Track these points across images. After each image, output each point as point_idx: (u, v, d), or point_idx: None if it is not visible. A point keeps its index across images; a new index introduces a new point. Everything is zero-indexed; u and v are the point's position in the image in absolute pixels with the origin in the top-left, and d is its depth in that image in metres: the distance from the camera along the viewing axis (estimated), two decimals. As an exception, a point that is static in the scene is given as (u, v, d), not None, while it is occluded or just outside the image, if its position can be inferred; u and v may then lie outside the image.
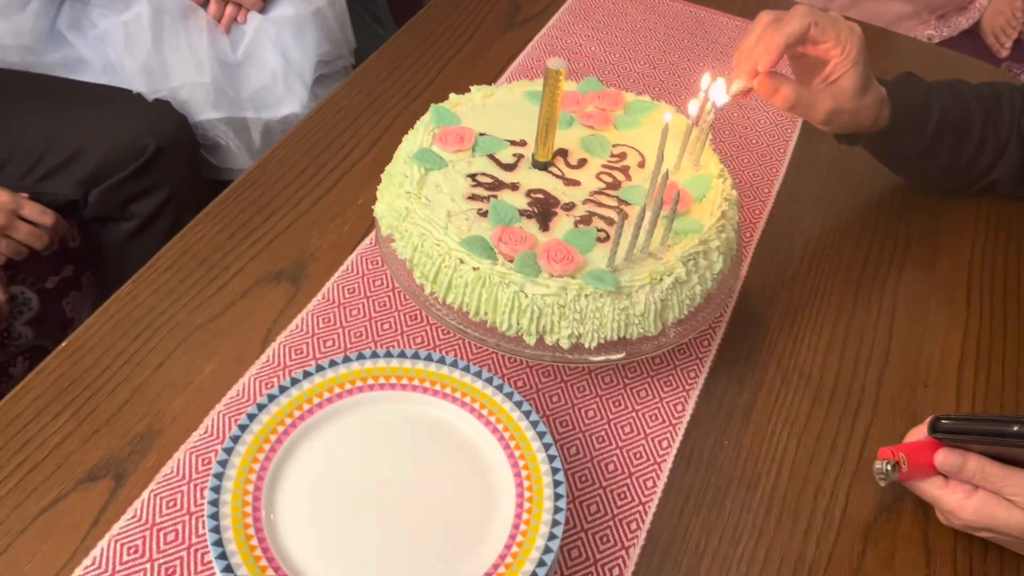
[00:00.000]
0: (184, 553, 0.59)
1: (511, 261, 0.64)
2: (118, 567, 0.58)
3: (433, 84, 1.03)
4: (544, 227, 0.67)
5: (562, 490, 0.56)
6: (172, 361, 0.71)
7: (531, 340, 0.64)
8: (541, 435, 0.59)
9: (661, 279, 0.64)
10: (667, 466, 0.68)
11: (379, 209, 0.72)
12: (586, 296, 0.63)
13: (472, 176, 0.71)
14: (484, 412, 0.61)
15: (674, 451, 0.69)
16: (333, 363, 0.62)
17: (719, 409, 0.72)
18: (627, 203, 0.70)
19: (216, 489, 0.54)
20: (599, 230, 0.67)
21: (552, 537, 0.54)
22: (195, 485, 0.63)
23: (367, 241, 0.82)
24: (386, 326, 0.75)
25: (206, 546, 0.59)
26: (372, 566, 0.54)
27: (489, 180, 0.70)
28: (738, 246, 0.74)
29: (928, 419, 0.61)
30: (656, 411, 0.71)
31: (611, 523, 0.64)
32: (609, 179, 0.72)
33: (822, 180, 0.95)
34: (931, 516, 0.66)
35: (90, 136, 1.06)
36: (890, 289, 0.84)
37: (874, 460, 0.63)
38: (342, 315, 0.75)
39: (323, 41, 1.22)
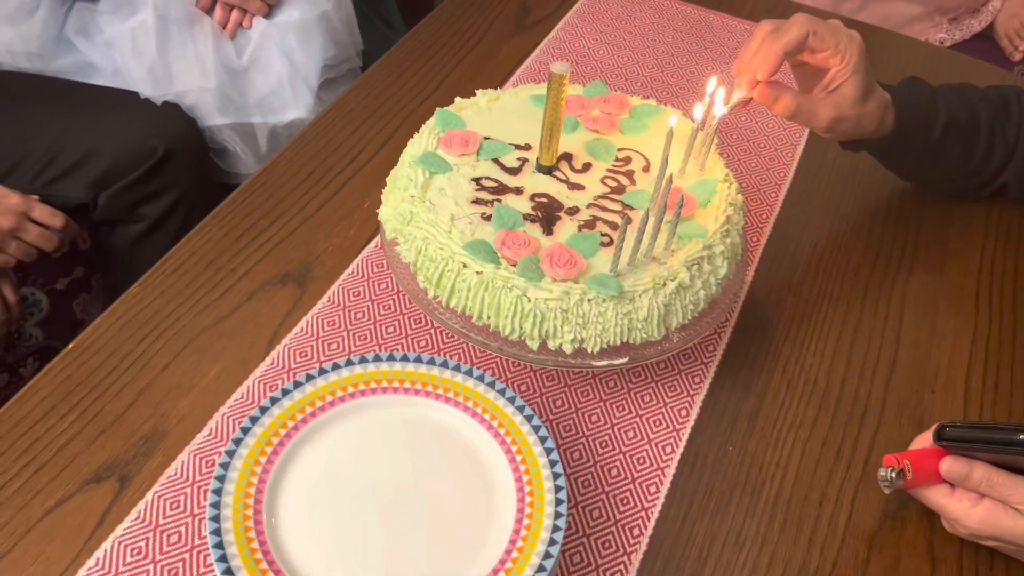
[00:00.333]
0: (187, 555, 0.59)
1: (514, 265, 0.64)
2: (121, 568, 0.58)
3: (441, 88, 1.03)
4: (548, 231, 0.67)
5: (563, 495, 0.56)
6: (178, 363, 0.71)
7: (534, 344, 0.64)
8: (543, 440, 0.59)
9: (664, 284, 0.64)
10: (671, 471, 0.68)
11: (383, 213, 0.72)
12: (589, 301, 0.63)
13: (476, 180, 0.71)
14: (487, 416, 0.61)
15: (678, 456, 0.69)
16: (336, 366, 0.62)
17: (724, 414, 0.72)
18: (631, 208, 0.70)
19: (217, 492, 0.54)
20: (603, 235, 0.67)
21: (552, 543, 0.54)
22: (199, 487, 0.63)
23: (373, 244, 0.82)
24: (391, 329, 0.75)
25: (209, 548, 0.60)
26: (373, 570, 0.54)
27: (493, 184, 0.70)
28: (743, 251, 0.73)
29: (934, 426, 0.61)
30: (660, 416, 0.71)
31: (613, 528, 0.64)
32: (613, 183, 0.72)
33: (830, 184, 0.95)
34: (937, 524, 0.65)
35: (100, 139, 1.07)
36: (898, 294, 0.84)
37: (879, 467, 0.62)
38: (347, 318, 0.75)
39: (329, 45, 1.23)
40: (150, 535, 0.60)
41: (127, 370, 0.71)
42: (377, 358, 0.63)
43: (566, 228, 0.67)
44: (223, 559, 0.51)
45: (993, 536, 0.59)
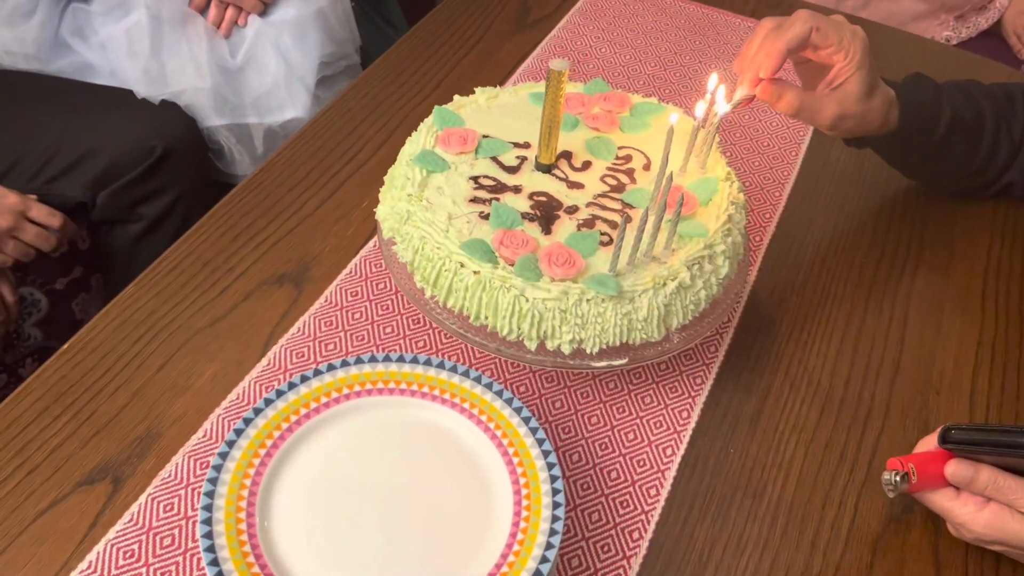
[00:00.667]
0: (180, 558, 0.59)
1: (512, 265, 0.63)
2: (114, 571, 0.58)
3: (441, 86, 1.02)
4: (546, 230, 0.66)
5: (560, 499, 0.55)
6: (173, 364, 0.71)
7: (532, 345, 0.63)
8: (540, 442, 0.58)
9: (664, 284, 0.63)
10: (671, 474, 0.67)
11: (381, 212, 0.71)
12: (588, 301, 0.62)
13: (474, 178, 0.70)
14: (483, 418, 0.60)
15: (678, 459, 0.68)
16: (331, 367, 0.61)
17: (725, 416, 0.71)
18: (631, 206, 0.69)
19: (210, 494, 0.54)
20: (602, 234, 0.66)
21: (549, 547, 0.53)
22: (193, 489, 0.62)
23: (371, 244, 0.81)
24: (388, 330, 0.74)
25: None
26: (367, 572, 0.53)
27: (491, 183, 0.70)
28: (745, 250, 0.72)
29: (939, 429, 0.60)
30: (661, 418, 0.70)
31: (613, 532, 0.63)
32: (613, 182, 0.71)
33: (834, 183, 0.94)
34: (941, 528, 0.64)
35: (98, 138, 1.06)
36: (903, 294, 0.83)
37: (883, 470, 0.61)
38: (344, 318, 0.75)
39: (326, 42, 1.21)
40: (143, 538, 0.60)
41: (122, 371, 0.70)
42: (373, 359, 0.62)
43: (565, 227, 0.67)
44: (215, 563, 0.51)
45: (999, 540, 0.58)
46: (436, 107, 0.75)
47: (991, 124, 0.82)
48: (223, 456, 0.56)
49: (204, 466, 0.64)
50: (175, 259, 0.79)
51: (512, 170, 0.71)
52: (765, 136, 0.98)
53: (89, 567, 0.58)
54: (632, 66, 1.06)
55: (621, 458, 0.67)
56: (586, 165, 0.72)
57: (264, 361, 0.71)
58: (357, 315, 0.75)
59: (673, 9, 1.17)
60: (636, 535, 0.63)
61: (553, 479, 0.56)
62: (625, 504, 0.64)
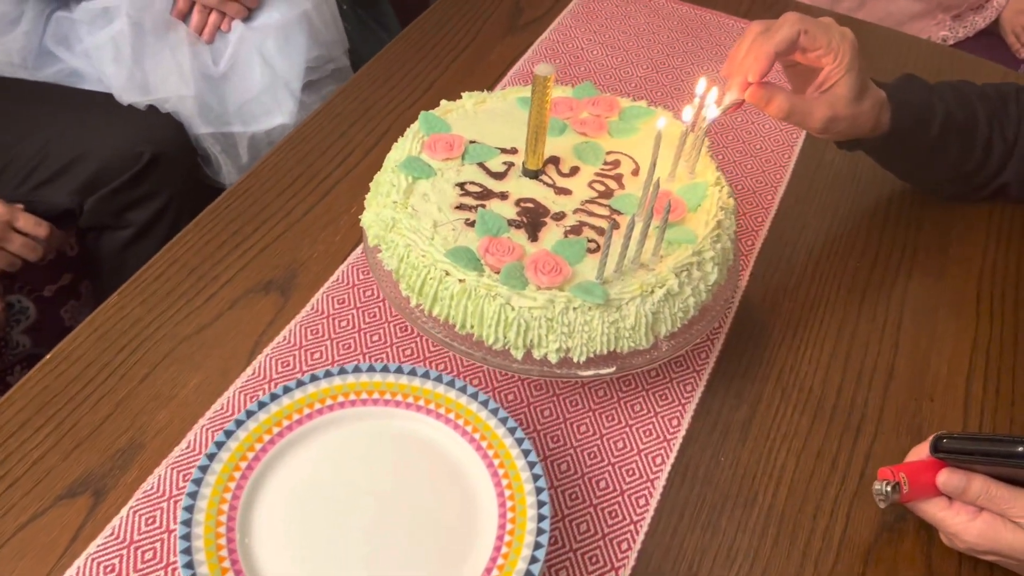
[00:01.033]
0: (161, 572, 0.58)
1: (498, 273, 0.62)
2: (94, 586, 0.57)
3: (432, 89, 1.01)
4: (533, 237, 0.65)
5: (546, 511, 0.54)
6: (157, 374, 0.70)
7: (518, 354, 0.63)
8: (526, 453, 0.57)
9: (652, 291, 0.62)
10: (660, 483, 0.66)
11: (366, 219, 0.70)
12: (574, 309, 0.61)
13: (461, 185, 0.69)
14: (468, 429, 0.59)
15: (668, 467, 0.67)
16: (314, 378, 0.60)
17: (716, 424, 0.70)
18: (619, 212, 0.68)
19: (189, 509, 0.53)
20: (589, 240, 0.65)
21: (534, 560, 0.52)
22: (175, 502, 0.62)
23: (359, 251, 0.81)
24: (375, 338, 0.73)
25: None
26: (349, 589, 0.52)
27: (478, 189, 0.69)
28: (735, 256, 0.72)
29: (930, 438, 0.59)
30: (650, 426, 0.69)
31: (601, 543, 0.62)
32: (601, 187, 0.70)
33: (827, 187, 0.93)
34: (934, 538, 0.63)
35: (86, 144, 1.05)
36: (896, 299, 0.82)
37: (875, 480, 0.60)
38: (331, 327, 0.74)
39: (312, 46, 1.20)
40: (124, 552, 0.59)
41: (105, 381, 0.69)
42: (356, 369, 0.61)
43: (552, 234, 0.66)
44: (193, 579, 0.50)
45: (992, 551, 0.57)
46: (422, 112, 0.74)
47: (984, 125, 0.82)
48: (203, 470, 0.55)
49: (187, 478, 0.63)
50: (160, 267, 0.78)
51: (499, 176, 0.70)
52: (758, 139, 0.97)
53: (69, 582, 0.57)
54: (624, 68, 1.06)
55: (610, 467, 0.66)
56: (574, 171, 0.71)
57: (249, 370, 0.70)
58: (344, 323, 0.74)
59: (665, 10, 1.16)
60: (625, 546, 0.62)
61: (539, 491, 0.55)
62: (614, 514, 0.63)
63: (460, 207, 0.67)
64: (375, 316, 0.75)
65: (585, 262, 0.64)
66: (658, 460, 0.67)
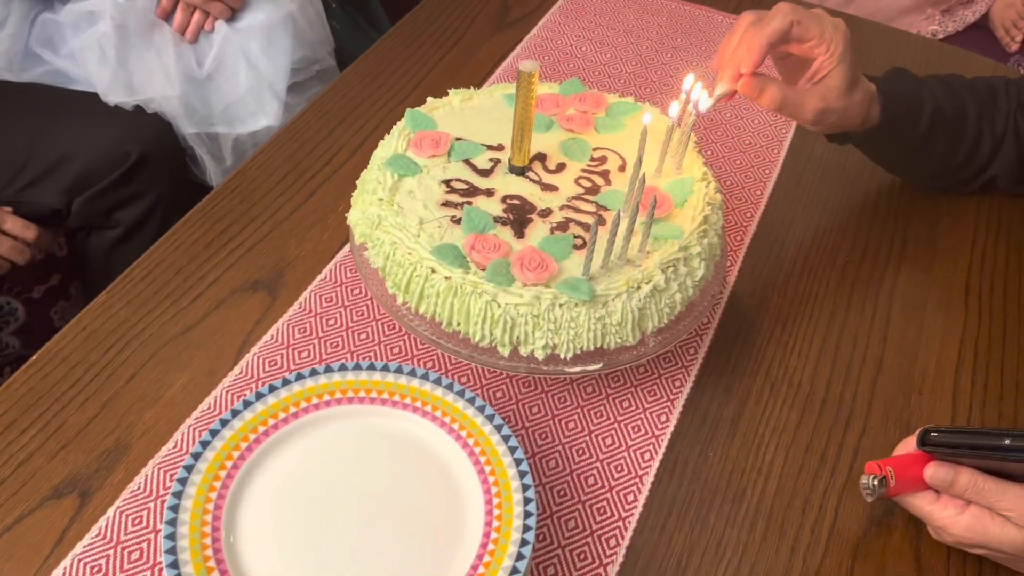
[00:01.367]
0: (148, 572, 0.58)
1: (483, 270, 0.62)
2: (80, 587, 0.57)
3: (419, 87, 1.01)
4: (519, 234, 0.65)
5: (532, 508, 0.54)
6: (143, 374, 0.70)
7: (505, 351, 0.62)
8: (513, 450, 0.57)
9: (639, 287, 0.62)
10: (649, 479, 0.66)
11: (352, 217, 0.70)
12: (560, 305, 0.61)
13: (447, 182, 0.69)
14: (455, 426, 0.59)
15: (656, 463, 0.67)
16: (300, 377, 0.60)
17: (704, 420, 0.70)
18: (606, 208, 0.68)
19: (174, 508, 0.53)
20: (576, 237, 0.65)
21: (520, 557, 0.52)
22: (162, 502, 0.61)
23: (346, 249, 0.80)
24: (363, 336, 0.73)
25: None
26: (335, 587, 0.52)
27: (464, 186, 0.69)
28: (722, 251, 0.71)
29: (917, 432, 0.59)
30: (639, 422, 0.69)
31: (589, 539, 0.62)
32: (588, 184, 0.70)
33: (816, 181, 0.93)
34: (923, 531, 0.63)
35: (72, 144, 1.05)
36: (885, 292, 0.82)
37: (863, 474, 0.60)
38: (318, 325, 0.74)
39: (296, 47, 1.19)
40: (111, 552, 0.59)
41: (91, 382, 0.69)
42: (343, 367, 0.61)
43: (538, 231, 0.66)
44: (178, 579, 0.50)
45: (980, 544, 0.57)
46: (408, 110, 0.74)
47: (973, 118, 0.82)
48: (188, 469, 0.55)
49: (173, 478, 0.63)
50: (147, 267, 0.78)
51: (485, 173, 0.70)
52: (747, 134, 0.97)
53: (55, 583, 0.57)
54: (613, 64, 1.05)
55: (598, 464, 0.66)
56: (560, 167, 0.71)
57: (236, 370, 0.70)
58: (331, 321, 0.74)
59: (654, 7, 1.16)
60: (613, 542, 0.62)
61: (525, 488, 0.55)
62: (602, 511, 0.63)
63: (446, 204, 0.67)
64: (362, 314, 0.75)
65: (571, 258, 0.64)
66: (646, 456, 0.67)
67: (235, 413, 0.58)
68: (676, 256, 0.64)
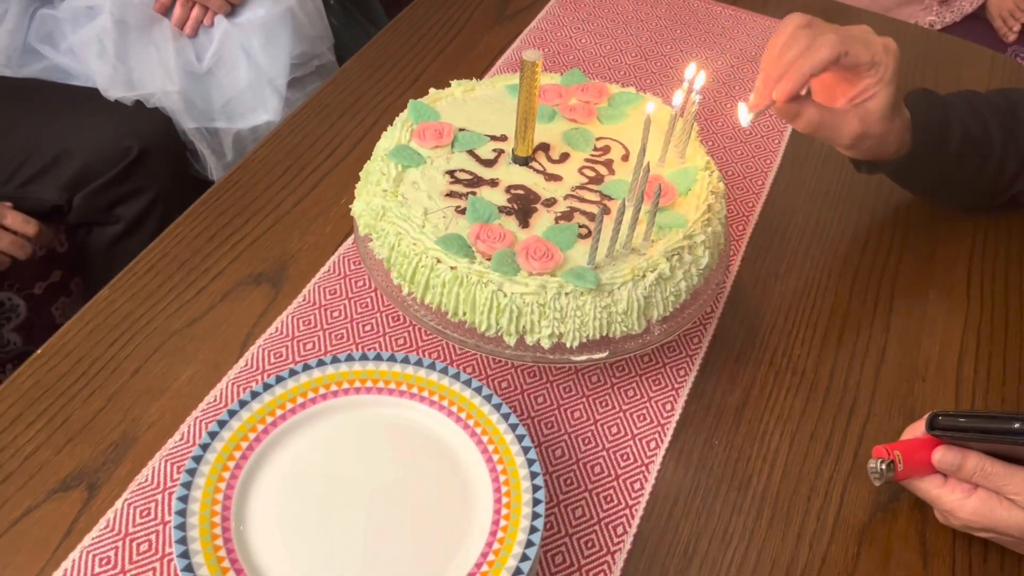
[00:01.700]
0: (157, 564, 0.58)
1: (489, 259, 0.62)
2: (89, 579, 0.57)
3: (419, 80, 1.01)
4: (524, 224, 0.65)
5: (541, 495, 0.54)
6: (149, 367, 0.70)
7: (511, 340, 0.62)
8: (520, 439, 0.57)
9: (644, 275, 0.62)
10: (655, 467, 0.66)
11: (356, 208, 0.70)
12: (566, 294, 0.61)
13: (451, 173, 0.69)
14: (463, 416, 0.59)
15: (662, 452, 0.67)
16: (307, 367, 0.60)
17: (709, 408, 0.70)
18: (610, 198, 0.68)
19: (183, 499, 0.53)
20: (580, 226, 0.65)
21: (529, 544, 0.52)
22: (169, 494, 0.61)
23: (349, 241, 0.80)
24: (368, 328, 0.73)
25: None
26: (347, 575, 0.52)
27: (468, 176, 0.69)
28: (726, 240, 0.72)
29: (926, 416, 0.59)
30: (644, 411, 0.69)
31: (596, 527, 0.62)
32: (592, 173, 0.70)
33: (818, 171, 0.93)
34: (928, 516, 0.64)
35: (73, 139, 1.05)
36: (887, 281, 0.82)
37: (869, 459, 0.61)
38: (323, 317, 0.74)
39: (296, 42, 1.19)
40: (119, 544, 0.59)
41: (96, 375, 0.69)
42: (350, 358, 0.61)
43: (543, 220, 0.66)
44: (189, 568, 0.50)
45: (987, 528, 0.58)
46: (411, 101, 0.74)
47: (998, 136, 0.79)
48: (197, 460, 0.55)
49: (182, 470, 0.63)
50: (151, 260, 0.78)
51: (489, 163, 0.70)
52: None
53: (64, 575, 0.57)
54: (613, 56, 1.06)
55: (604, 452, 0.66)
56: (564, 157, 0.71)
57: (242, 362, 0.70)
58: (336, 313, 0.74)
59: (654, -2, 1.16)
60: (620, 530, 0.62)
61: (533, 475, 0.55)
62: (609, 499, 0.64)
63: (450, 195, 0.67)
64: (367, 306, 0.75)
65: (576, 248, 0.64)
66: (652, 445, 0.67)
67: (243, 404, 0.58)
68: (681, 244, 0.64)
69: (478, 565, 0.52)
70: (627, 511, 0.63)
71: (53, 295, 1.12)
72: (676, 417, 0.69)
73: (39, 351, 0.70)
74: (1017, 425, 0.53)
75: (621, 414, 0.69)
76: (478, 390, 0.60)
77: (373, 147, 0.74)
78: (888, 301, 0.80)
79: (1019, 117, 0.81)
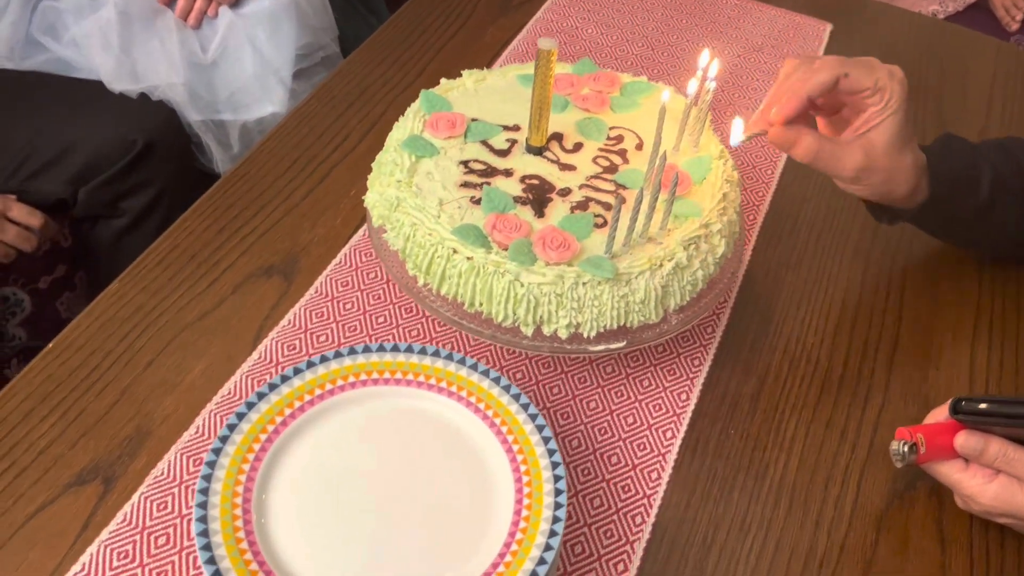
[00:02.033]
0: (176, 557, 0.57)
1: (506, 249, 0.61)
2: (108, 573, 0.56)
3: (426, 71, 1.00)
4: (539, 214, 0.65)
5: (562, 485, 0.54)
6: (162, 360, 0.69)
7: (528, 331, 0.62)
8: (540, 428, 0.57)
9: (661, 264, 0.62)
10: (672, 457, 0.66)
11: (369, 199, 0.70)
12: (584, 284, 0.61)
13: (464, 163, 0.68)
14: (481, 406, 0.59)
15: (679, 441, 0.67)
16: (324, 359, 0.60)
17: (724, 397, 0.70)
18: (625, 187, 0.68)
19: (204, 491, 0.52)
20: (596, 215, 0.65)
21: (552, 534, 0.52)
22: (186, 487, 0.61)
23: (360, 233, 0.80)
24: (381, 320, 0.73)
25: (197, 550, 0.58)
26: (368, 566, 0.52)
27: (482, 167, 0.68)
28: (741, 229, 0.71)
29: (949, 400, 0.59)
30: (660, 401, 0.69)
31: (615, 517, 0.62)
32: (606, 163, 0.70)
33: (826, 160, 0.93)
34: (945, 503, 0.64)
35: (77, 133, 1.04)
36: (898, 270, 0.82)
37: (887, 445, 0.61)
38: (335, 309, 0.73)
39: (301, 34, 1.18)
40: (137, 537, 0.58)
41: (109, 369, 0.68)
42: (367, 349, 0.61)
43: (558, 210, 0.65)
44: (211, 561, 0.49)
45: (1007, 513, 0.58)
46: (423, 91, 0.74)
47: None
48: (216, 452, 0.54)
49: (197, 463, 0.62)
50: (160, 253, 0.77)
51: (502, 153, 0.70)
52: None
53: (83, 569, 0.57)
54: (619, 47, 1.05)
55: (621, 443, 0.66)
56: (577, 147, 0.71)
57: (255, 355, 0.70)
58: (348, 305, 0.74)
59: (659, -12, 1.15)
60: (639, 519, 0.62)
61: (554, 465, 0.55)
62: (627, 488, 0.63)
63: (465, 185, 0.67)
64: (379, 298, 0.74)
65: (593, 237, 0.63)
66: (668, 434, 0.67)
67: (260, 396, 0.57)
68: (697, 233, 0.64)
69: (501, 555, 0.52)
70: (645, 500, 0.63)
71: (57, 290, 1.12)
72: (691, 407, 0.69)
73: (50, 345, 0.70)
74: None
75: (637, 404, 0.69)
76: (496, 380, 0.60)
77: (381, 138, 0.73)
78: (899, 290, 0.80)
79: None
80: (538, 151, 0.70)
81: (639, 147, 0.71)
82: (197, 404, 0.66)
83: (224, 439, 0.55)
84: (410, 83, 0.98)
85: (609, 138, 0.72)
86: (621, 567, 0.59)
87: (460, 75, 0.77)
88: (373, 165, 0.72)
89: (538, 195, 0.66)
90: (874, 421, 0.70)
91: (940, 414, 0.60)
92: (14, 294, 1.06)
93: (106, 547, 0.58)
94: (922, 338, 0.76)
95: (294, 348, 0.70)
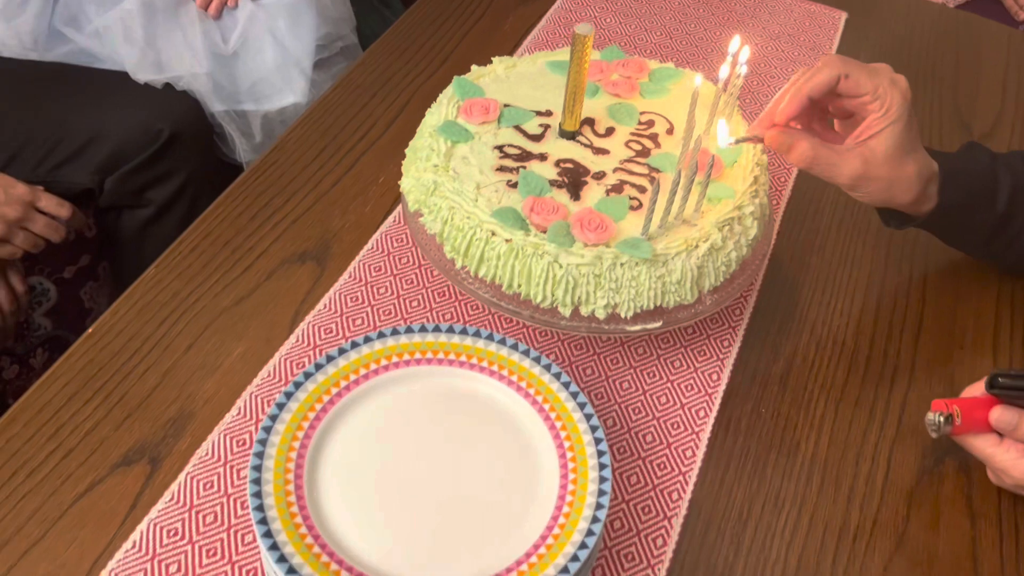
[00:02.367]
0: (224, 534, 0.59)
1: (544, 232, 0.63)
2: (159, 550, 0.57)
3: (448, 61, 1.01)
4: (575, 196, 0.66)
5: (607, 460, 0.55)
6: (200, 344, 0.70)
7: (566, 311, 0.63)
8: (582, 406, 0.58)
9: (697, 246, 0.63)
10: (705, 435, 0.67)
11: (405, 184, 0.71)
12: (621, 265, 0.62)
13: (499, 148, 0.69)
14: (523, 385, 0.60)
15: (711, 420, 0.68)
16: (368, 339, 0.61)
17: (754, 377, 0.71)
18: (658, 171, 0.69)
19: (257, 468, 0.53)
20: (631, 198, 0.66)
21: (599, 507, 0.53)
22: (231, 467, 0.62)
23: (390, 219, 0.81)
24: (414, 303, 0.74)
25: (246, 526, 0.59)
26: (418, 542, 0.53)
27: (517, 151, 0.69)
28: (769, 212, 0.73)
29: (986, 376, 0.60)
30: (691, 381, 0.70)
31: (652, 493, 0.63)
32: (638, 147, 0.71)
33: (846, 146, 0.94)
34: (974, 479, 0.65)
35: (104, 123, 1.04)
36: (920, 251, 0.83)
37: (915, 423, 0.62)
38: (369, 293, 0.74)
39: (321, 23, 1.19)
40: (186, 516, 0.59)
41: (149, 353, 0.69)
42: (408, 330, 0.62)
43: (593, 193, 0.66)
44: (268, 535, 0.50)
45: (1037, 487, 0.59)
46: (456, 77, 0.75)
47: None
48: (267, 430, 0.55)
49: (240, 444, 0.64)
50: (194, 240, 0.78)
51: (536, 138, 0.71)
52: (775, 101, 0.98)
53: (134, 546, 0.58)
54: (639, 35, 1.06)
55: (655, 421, 0.67)
56: (609, 131, 0.72)
57: (292, 338, 0.71)
58: (382, 290, 0.75)
59: (675, -22, 1.16)
60: (675, 496, 0.63)
61: (597, 441, 0.56)
62: (662, 466, 0.65)
63: (501, 169, 0.68)
64: (412, 282, 0.75)
65: (628, 219, 0.65)
66: (701, 413, 0.68)
67: (308, 375, 0.58)
68: (731, 215, 0.65)
69: (549, 528, 0.53)
70: (681, 477, 0.64)
71: (82, 279, 1.12)
72: (723, 386, 0.70)
73: (90, 330, 0.71)
74: None
75: (669, 384, 0.70)
76: (536, 360, 0.61)
77: (407, 126, 0.74)
78: (922, 271, 0.82)
79: None
80: (571, 136, 0.71)
81: (670, 131, 0.73)
82: (238, 386, 0.67)
83: (274, 417, 0.56)
84: (433, 72, 0.99)
85: (640, 123, 0.73)
86: (660, 542, 0.61)
87: (490, 62, 0.78)
88: (407, 151, 0.73)
89: (573, 178, 0.67)
90: (901, 400, 0.71)
91: (977, 389, 0.62)
92: (40, 284, 1.07)
93: (156, 525, 0.59)
94: (946, 318, 0.78)
95: (331, 331, 0.71)
